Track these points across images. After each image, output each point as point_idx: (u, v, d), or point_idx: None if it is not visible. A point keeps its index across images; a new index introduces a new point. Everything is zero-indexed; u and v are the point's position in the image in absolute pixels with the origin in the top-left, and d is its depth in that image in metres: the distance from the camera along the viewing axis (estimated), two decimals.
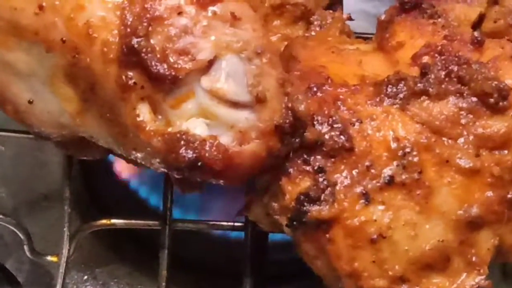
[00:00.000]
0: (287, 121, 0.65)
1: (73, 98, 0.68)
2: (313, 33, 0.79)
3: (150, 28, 0.64)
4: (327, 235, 0.66)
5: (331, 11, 0.81)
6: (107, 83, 0.65)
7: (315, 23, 0.80)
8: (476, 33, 0.71)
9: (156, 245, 0.81)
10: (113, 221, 0.80)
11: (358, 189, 0.66)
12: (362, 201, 0.66)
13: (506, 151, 0.67)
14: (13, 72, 0.68)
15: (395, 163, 0.67)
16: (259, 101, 0.65)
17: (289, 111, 0.65)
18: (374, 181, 0.67)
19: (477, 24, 0.76)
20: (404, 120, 0.67)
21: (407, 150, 0.67)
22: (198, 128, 0.65)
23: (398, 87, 0.67)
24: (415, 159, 0.66)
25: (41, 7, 0.65)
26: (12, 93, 0.70)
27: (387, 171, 0.67)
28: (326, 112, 0.66)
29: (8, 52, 0.68)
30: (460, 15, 0.75)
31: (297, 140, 0.66)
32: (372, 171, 0.67)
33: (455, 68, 0.67)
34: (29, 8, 0.65)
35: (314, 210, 0.65)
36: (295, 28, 0.80)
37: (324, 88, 0.68)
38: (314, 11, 0.80)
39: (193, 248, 0.99)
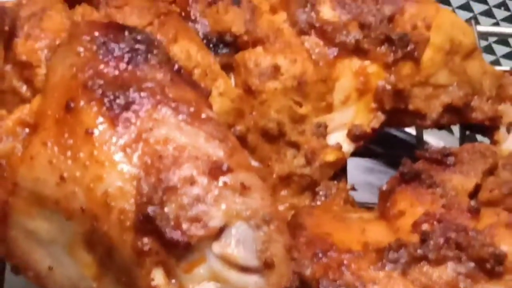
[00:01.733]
0: (294, 285, 0.66)
1: (91, 264, 0.68)
2: (318, 202, 0.80)
3: (164, 197, 0.65)
4: None
5: (335, 182, 0.82)
6: (124, 249, 0.65)
7: (321, 193, 0.80)
8: (472, 202, 0.72)
9: None
10: None
11: None
12: None
13: None
14: (35, 239, 0.69)
15: None
16: (268, 266, 0.65)
17: (296, 276, 0.66)
18: None
19: (473, 194, 0.77)
20: (405, 284, 0.66)
21: None
22: None
23: (399, 253, 0.67)
24: None
25: (62, 178, 0.66)
26: (33, 260, 0.70)
27: None
28: (331, 276, 0.66)
29: (31, 221, 0.68)
30: (457, 185, 0.75)
31: None
32: None
33: (453, 235, 0.68)
34: (51, 178, 0.67)
35: None
36: (302, 198, 0.81)
37: (329, 254, 0.68)
38: (320, 182, 0.81)
39: None
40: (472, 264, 0.66)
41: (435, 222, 0.70)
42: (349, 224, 0.74)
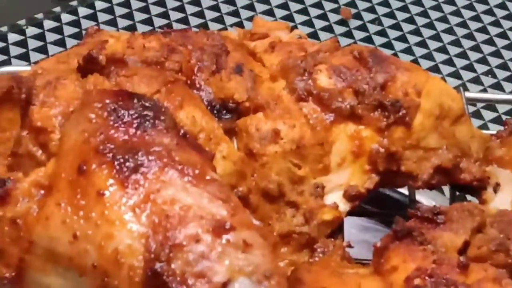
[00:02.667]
0: None
1: None
2: (317, 258, 0.81)
3: (171, 254, 0.65)
4: None
5: (332, 240, 0.82)
6: None
7: (319, 250, 0.81)
8: (462, 258, 0.72)
9: None
10: None
11: None
12: None
13: None
14: None
15: None
16: None
17: None
18: None
19: (463, 250, 0.77)
20: None
21: None
22: None
23: None
24: None
25: (75, 236, 0.67)
26: None
27: None
28: None
29: (46, 277, 0.69)
30: (447, 242, 0.75)
31: None
32: None
33: None
34: (65, 237, 0.68)
35: None
36: (301, 255, 0.81)
37: None
38: (318, 239, 0.82)
39: None
40: None
41: (426, 277, 0.70)
42: (345, 279, 0.74)
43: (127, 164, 0.69)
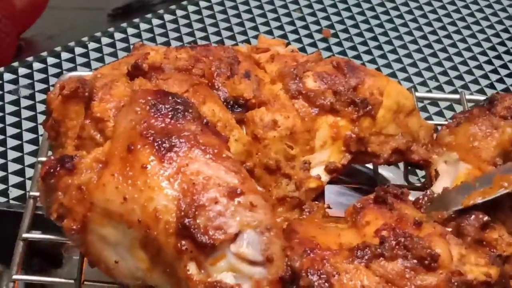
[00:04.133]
0: (287, 274, 0.66)
1: (145, 259, 0.68)
2: (304, 216, 0.80)
3: (196, 212, 0.66)
4: None
5: (316, 202, 0.82)
6: (168, 249, 0.66)
7: (306, 210, 0.81)
8: (417, 218, 0.72)
9: None
10: None
11: None
12: None
13: None
14: (105, 242, 0.70)
15: None
16: (269, 261, 0.66)
17: (289, 267, 0.66)
18: None
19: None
20: (368, 274, 0.67)
21: None
22: (228, 278, 0.65)
23: (364, 251, 0.68)
24: None
25: (125, 199, 0.67)
26: (104, 256, 0.70)
27: None
28: (315, 267, 0.66)
29: (103, 228, 0.69)
30: (407, 211, 0.75)
31: (294, 286, 0.66)
32: None
33: (403, 240, 0.68)
34: (117, 199, 0.68)
35: None
36: (292, 213, 0.81)
37: (314, 251, 0.68)
38: (305, 202, 0.81)
39: None
40: (415, 261, 0.67)
41: (391, 230, 0.70)
42: (328, 230, 0.74)
43: (164, 145, 0.69)
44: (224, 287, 0.65)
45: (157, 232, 0.66)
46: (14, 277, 0.77)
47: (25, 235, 0.80)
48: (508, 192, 0.75)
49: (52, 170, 0.72)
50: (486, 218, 0.73)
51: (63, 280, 0.81)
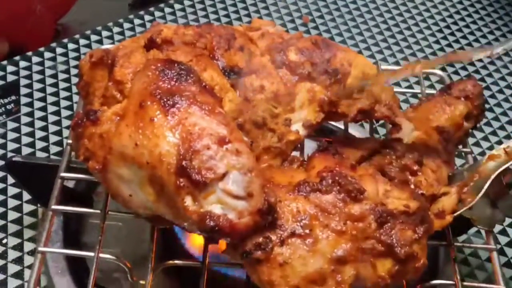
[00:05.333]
0: (265, 206, 0.65)
1: (152, 194, 0.68)
2: (285, 166, 0.79)
3: (192, 156, 0.64)
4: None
5: (297, 156, 0.82)
6: (170, 185, 0.65)
7: (286, 162, 0.80)
8: (353, 162, 0.72)
9: None
10: (171, 262, 0.74)
11: (278, 238, 0.66)
12: (279, 244, 0.65)
13: (360, 223, 0.66)
14: (121, 179, 0.69)
15: (297, 224, 0.66)
16: (249, 196, 0.65)
17: (266, 201, 0.65)
18: (285, 233, 0.66)
19: (360, 161, 0.76)
20: (305, 203, 0.67)
21: (305, 217, 0.66)
22: (216, 209, 0.64)
23: (305, 187, 0.68)
24: (308, 223, 0.66)
25: (136, 145, 0.66)
26: (120, 191, 0.70)
27: (293, 228, 0.66)
28: (275, 198, 0.67)
29: (119, 168, 0.68)
30: (349, 154, 0.76)
31: (269, 216, 0.66)
32: (285, 227, 0.66)
33: (338, 178, 0.68)
34: (130, 145, 0.67)
35: (258, 253, 0.65)
36: (275, 161, 0.79)
37: (267, 185, 0.68)
38: (286, 152, 0.80)
39: None
40: (345, 194, 0.67)
41: (330, 172, 0.69)
42: (286, 173, 0.74)
43: (168, 102, 0.67)
44: (213, 216, 0.64)
45: (161, 172, 0.65)
46: (53, 207, 0.77)
47: (62, 174, 0.80)
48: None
49: (79, 121, 0.71)
50: (416, 167, 0.73)
51: (92, 210, 0.80)
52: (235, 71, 0.80)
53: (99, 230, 0.75)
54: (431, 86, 1.19)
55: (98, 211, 0.78)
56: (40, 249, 0.72)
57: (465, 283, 0.73)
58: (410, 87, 1.21)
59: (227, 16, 1.24)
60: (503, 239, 0.96)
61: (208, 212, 0.64)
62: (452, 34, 1.36)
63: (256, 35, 0.86)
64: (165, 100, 0.67)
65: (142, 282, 0.78)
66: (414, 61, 1.19)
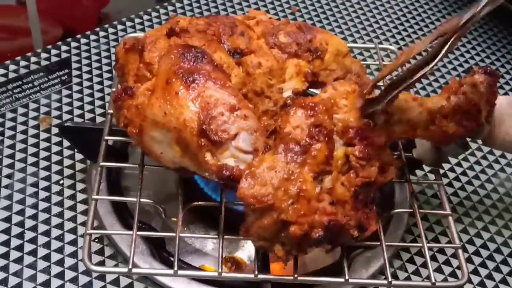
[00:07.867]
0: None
1: (179, 151, 0.66)
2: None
3: (210, 121, 0.63)
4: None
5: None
6: (192, 144, 0.64)
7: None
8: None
9: None
10: (196, 203, 0.72)
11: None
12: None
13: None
14: (154, 140, 0.67)
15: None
16: (256, 151, 0.63)
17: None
18: None
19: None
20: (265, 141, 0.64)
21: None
22: (231, 162, 0.63)
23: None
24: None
25: (165, 113, 0.64)
26: (153, 149, 0.68)
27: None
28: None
29: (152, 132, 0.66)
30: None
31: None
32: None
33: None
34: (160, 114, 0.64)
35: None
36: (271, 121, 0.76)
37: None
38: (280, 114, 0.77)
39: None
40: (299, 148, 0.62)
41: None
42: None
43: (189, 79, 0.65)
44: (229, 167, 0.63)
45: (185, 134, 0.64)
46: (102, 164, 0.75)
47: (106, 137, 0.77)
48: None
49: (119, 96, 0.69)
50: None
51: (131, 165, 0.79)
52: (238, 52, 0.77)
53: (138, 180, 0.73)
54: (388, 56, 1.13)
55: (137, 166, 0.76)
56: (94, 196, 0.70)
57: (421, 210, 0.72)
58: (365, 60, 1.14)
59: (232, 7, 1.22)
60: (451, 175, 0.95)
61: (224, 165, 0.63)
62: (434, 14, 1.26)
63: (252, 23, 0.83)
64: (186, 77, 0.65)
65: (174, 219, 0.78)
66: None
